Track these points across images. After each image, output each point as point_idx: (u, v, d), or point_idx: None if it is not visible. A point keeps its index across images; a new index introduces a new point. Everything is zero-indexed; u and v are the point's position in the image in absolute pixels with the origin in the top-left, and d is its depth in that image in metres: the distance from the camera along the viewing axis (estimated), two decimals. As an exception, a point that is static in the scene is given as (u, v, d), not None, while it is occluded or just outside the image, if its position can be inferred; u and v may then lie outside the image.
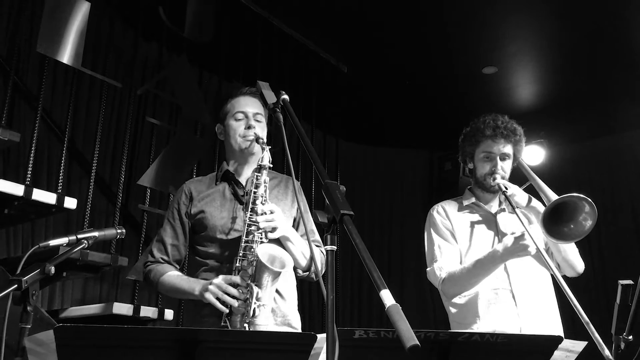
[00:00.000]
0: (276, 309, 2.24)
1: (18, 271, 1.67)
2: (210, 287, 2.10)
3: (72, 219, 4.03)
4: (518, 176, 2.80)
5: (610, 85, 5.20)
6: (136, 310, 3.37)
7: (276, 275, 2.07)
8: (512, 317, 2.47)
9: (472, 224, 2.67)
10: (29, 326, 1.63)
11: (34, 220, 3.72)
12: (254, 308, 2.04)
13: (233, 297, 2.07)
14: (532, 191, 2.70)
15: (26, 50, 3.89)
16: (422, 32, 4.67)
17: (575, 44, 4.70)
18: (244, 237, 2.16)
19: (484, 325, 2.49)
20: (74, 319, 3.44)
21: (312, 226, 2.45)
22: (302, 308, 5.62)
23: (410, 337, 1.07)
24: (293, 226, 2.42)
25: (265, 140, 2.32)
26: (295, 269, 2.35)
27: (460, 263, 2.61)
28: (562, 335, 2.44)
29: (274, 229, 2.18)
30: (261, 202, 2.20)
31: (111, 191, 4.16)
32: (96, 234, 1.99)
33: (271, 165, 2.27)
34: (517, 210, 2.49)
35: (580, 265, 2.63)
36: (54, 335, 1.34)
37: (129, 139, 3.96)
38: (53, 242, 1.90)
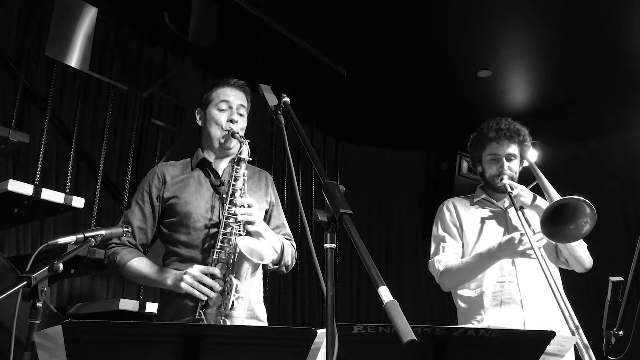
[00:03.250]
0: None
1: (27, 268, 1.67)
2: (185, 277, 2.02)
3: (79, 218, 4.02)
4: (527, 176, 2.80)
5: (601, 88, 5.20)
6: (142, 306, 3.37)
7: (255, 267, 2.03)
8: (516, 310, 2.47)
9: (483, 219, 2.68)
10: (38, 321, 1.63)
11: (43, 219, 3.72)
12: (233, 300, 1.98)
13: (210, 288, 2.00)
14: (539, 191, 2.70)
15: (35, 54, 3.88)
16: (419, 37, 4.68)
17: (567, 49, 4.71)
18: (221, 230, 2.09)
19: (489, 317, 2.49)
20: (82, 314, 3.43)
21: (283, 220, 2.42)
22: (302, 304, 5.64)
23: (407, 332, 1.07)
24: (265, 219, 2.35)
25: (242, 134, 2.24)
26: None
27: (463, 257, 2.62)
28: (570, 330, 2.43)
29: (251, 222, 2.11)
30: (239, 195, 2.13)
31: (117, 191, 4.16)
32: (103, 232, 1.98)
33: (250, 159, 2.19)
34: (520, 211, 2.49)
35: (588, 261, 2.62)
36: (62, 330, 1.34)
37: (135, 140, 3.96)
38: (61, 240, 1.90)
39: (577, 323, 2.22)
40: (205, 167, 2.29)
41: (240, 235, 2.10)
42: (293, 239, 2.42)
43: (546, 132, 5.64)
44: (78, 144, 3.78)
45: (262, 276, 2.35)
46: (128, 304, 3.32)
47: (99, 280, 4.20)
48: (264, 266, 2.28)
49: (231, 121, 2.26)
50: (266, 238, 2.18)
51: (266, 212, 2.37)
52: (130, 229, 2.11)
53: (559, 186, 2.64)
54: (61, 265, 1.70)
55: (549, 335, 1.64)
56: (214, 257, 2.07)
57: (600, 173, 5.96)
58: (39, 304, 1.64)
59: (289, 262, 2.32)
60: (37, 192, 2.93)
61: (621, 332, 1.94)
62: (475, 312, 2.54)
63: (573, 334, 2.18)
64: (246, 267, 2.01)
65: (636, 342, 1.96)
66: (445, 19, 4.44)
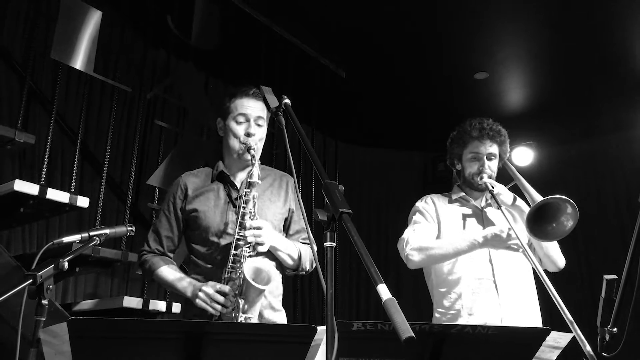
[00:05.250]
0: (261, 311, 2.21)
1: (33, 267, 1.67)
2: (200, 294, 2.11)
3: (84, 217, 4.03)
4: (504, 176, 2.80)
5: (595, 90, 5.20)
6: (145, 303, 3.37)
7: (261, 291, 2.07)
8: (494, 307, 2.48)
9: (464, 216, 2.68)
10: (44, 319, 1.63)
11: (48, 218, 3.72)
12: (240, 320, 2.04)
13: (221, 305, 2.08)
14: (517, 191, 2.70)
15: (41, 56, 3.88)
16: (417, 40, 4.67)
17: (561, 51, 4.71)
18: (232, 251, 2.14)
19: (466, 313, 2.49)
20: (86, 312, 3.44)
21: (303, 224, 2.44)
22: (302, 302, 5.64)
23: (405, 329, 1.07)
24: (285, 224, 2.40)
25: (256, 152, 2.25)
26: (284, 268, 2.35)
27: None
28: (540, 325, 2.45)
29: (261, 244, 2.16)
30: (249, 218, 2.17)
31: (121, 190, 4.16)
32: (107, 231, 1.99)
33: (259, 182, 2.21)
34: (502, 208, 2.50)
35: (561, 261, 2.63)
36: (67, 327, 1.34)
37: (139, 141, 3.96)
38: (66, 239, 1.90)
39: (571, 318, 2.22)
40: (225, 179, 2.34)
41: (250, 256, 2.14)
42: (314, 242, 2.43)
43: (541, 133, 5.65)
44: (83, 145, 3.78)
45: (281, 281, 2.39)
46: (132, 302, 3.32)
47: (103, 278, 4.20)
48: (284, 272, 2.36)
49: (248, 134, 2.29)
50: (283, 250, 2.26)
51: (286, 219, 2.42)
52: (133, 228, 2.12)
53: (554, 186, 2.64)
54: (66, 264, 1.70)
55: (545, 332, 1.64)
56: (226, 275, 2.14)
57: (594, 172, 5.96)
58: (44, 302, 1.64)
59: (307, 267, 2.39)
60: (42, 191, 2.93)
61: (615, 329, 1.94)
62: (452, 307, 2.55)
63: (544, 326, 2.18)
64: (252, 292, 2.06)
65: (630, 339, 1.95)
66: (443, 22, 4.44)
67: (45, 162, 3.24)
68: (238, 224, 2.16)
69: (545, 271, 2.58)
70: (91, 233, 1.93)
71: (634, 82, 5.00)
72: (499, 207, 2.51)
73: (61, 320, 1.35)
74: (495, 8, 4.25)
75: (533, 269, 2.64)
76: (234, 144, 2.31)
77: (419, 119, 5.89)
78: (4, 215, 3.18)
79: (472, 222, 2.66)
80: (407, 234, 2.65)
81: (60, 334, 1.36)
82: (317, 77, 5.11)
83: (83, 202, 3.14)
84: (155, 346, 1.44)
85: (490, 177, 2.64)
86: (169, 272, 2.27)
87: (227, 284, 2.12)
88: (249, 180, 2.20)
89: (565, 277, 2.73)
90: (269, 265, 2.16)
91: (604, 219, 5.69)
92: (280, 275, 2.38)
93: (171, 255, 2.35)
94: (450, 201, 2.75)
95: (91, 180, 4.14)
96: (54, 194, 2.99)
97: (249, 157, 2.26)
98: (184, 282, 2.21)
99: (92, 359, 1.41)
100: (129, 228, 2.08)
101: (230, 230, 2.22)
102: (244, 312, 2.05)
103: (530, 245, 2.63)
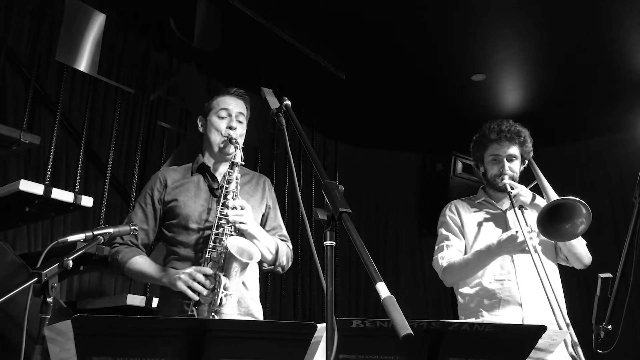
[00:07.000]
0: (240, 300, 2.19)
1: (38, 265, 1.67)
2: (182, 275, 2.05)
3: (88, 217, 4.02)
4: (529, 175, 2.79)
5: (591, 91, 5.20)
6: (148, 301, 3.36)
7: (244, 266, 2.04)
8: (515, 307, 2.47)
9: (483, 221, 2.67)
10: (49, 316, 1.63)
11: (53, 217, 3.72)
12: (221, 297, 2.01)
13: (202, 285, 2.03)
14: (539, 190, 2.70)
15: (46, 58, 3.89)
16: (415, 43, 4.68)
17: (557, 53, 4.71)
18: (214, 230, 2.12)
19: (488, 314, 2.49)
20: (91, 309, 3.44)
21: (279, 222, 2.43)
22: (302, 300, 5.64)
23: (404, 326, 1.07)
24: (262, 222, 2.38)
25: (238, 140, 2.26)
26: (261, 262, 2.29)
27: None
28: (559, 326, 2.43)
29: (242, 223, 2.14)
30: (232, 197, 2.16)
31: (125, 190, 4.16)
32: (111, 230, 1.98)
33: (243, 163, 2.23)
34: (518, 209, 2.49)
35: (587, 258, 2.62)
36: (72, 325, 1.34)
37: (142, 141, 3.96)
38: (71, 238, 1.90)
39: (568, 320, 2.22)
40: (205, 171, 2.33)
41: (231, 235, 2.12)
42: (289, 240, 2.43)
43: (538, 134, 5.63)
44: (87, 145, 3.78)
45: (258, 276, 2.37)
46: (135, 299, 3.32)
47: (107, 276, 4.20)
48: (260, 267, 2.32)
49: (230, 128, 2.29)
50: (260, 240, 2.21)
51: (263, 215, 2.40)
52: (137, 227, 2.12)
53: (550, 186, 2.64)
54: (71, 262, 1.70)
55: (541, 329, 1.64)
56: (207, 256, 2.11)
57: (589, 172, 5.96)
58: (49, 300, 1.64)
59: (284, 263, 2.34)
60: (47, 191, 2.93)
61: (610, 327, 1.94)
62: (475, 309, 2.54)
63: (561, 329, 2.18)
64: (235, 266, 2.04)
65: (624, 336, 1.96)
66: (441, 25, 4.44)
67: (50, 163, 3.24)
68: (220, 204, 2.14)
69: (572, 268, 2.58)
70: (95, 232, 1.93)
71: (630, 84, 5.00)
72: (518, 208, 2.50)
73: (66, 317, 1.35)
74: (493, 10, 4.25)
75: (558, 266, 2.64)
76: (216, 137, 2.30)
77: (417, 120, 5.89)
78: (10, 214, 3.18)
79: (489, 226, 2.65)
80: (437, 253, 2.66)
81: (65, 332, 1.36)
82: (317, 79, 5.11)
83: (87, 201, 3.13)
84: (158, 343, 1.44)
85: (512, 178, 2.63)
86: (142, 262, 2.20)
87: (207, 265, 2.08)
88: (232, 160, 2.21)
89: (562, 277, 2.72)
90: (250, 245, 2.12)
91: (599, 217, 5.67)
92: (258, 270, 2.34)
93: (144, 249, 2.28)
94: (473, 205, 2.74)
95: (95, 180, 4.14)
96: (58, 194, 2.98)
97: (231, 149, 2.26)
98: (159, 271, 2.16)
99: (96, 356, 1.41)
100: (132, 227, 2.08)
101: (211, 219, 2.19)
102: (225, 289, 2.01)
103: (555, 244, 2.62)
